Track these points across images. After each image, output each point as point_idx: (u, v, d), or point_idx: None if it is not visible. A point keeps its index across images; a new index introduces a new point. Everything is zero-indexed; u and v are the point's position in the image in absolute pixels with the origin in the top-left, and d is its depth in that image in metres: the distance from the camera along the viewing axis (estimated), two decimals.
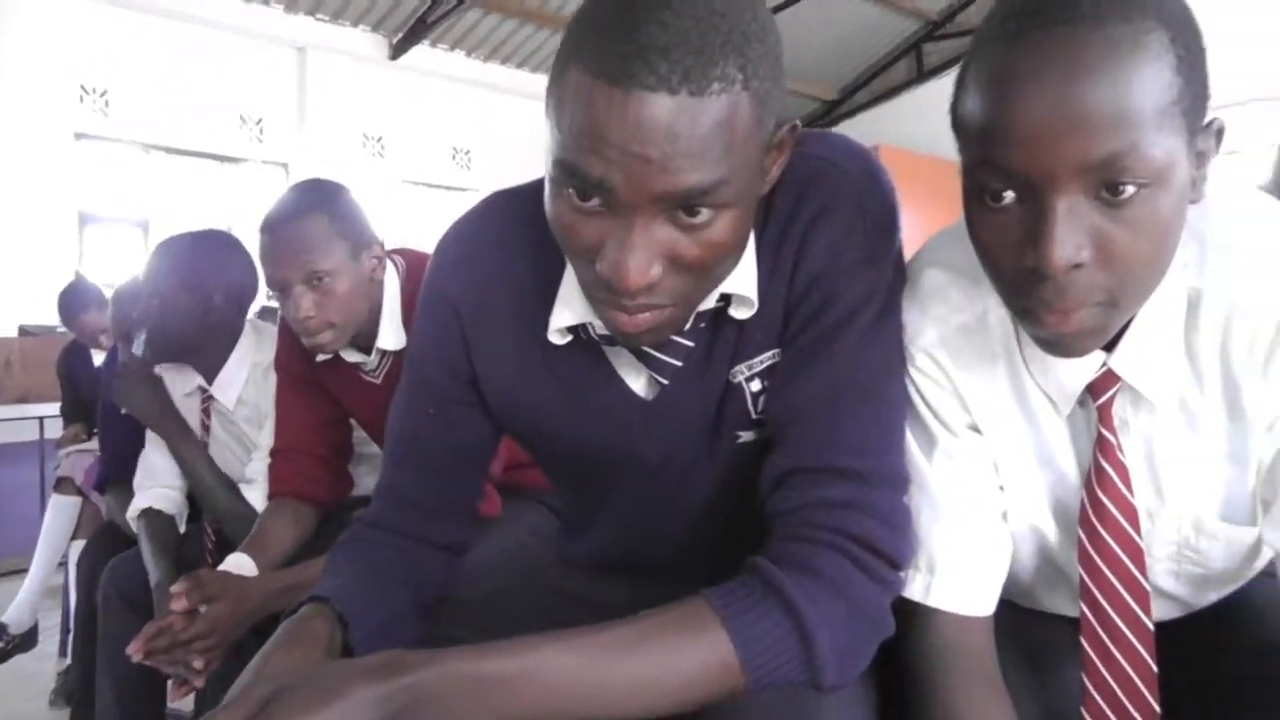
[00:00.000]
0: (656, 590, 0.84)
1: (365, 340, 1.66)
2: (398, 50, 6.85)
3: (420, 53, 6.95)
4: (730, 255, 0.81)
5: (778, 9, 6.65)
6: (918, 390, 0.90)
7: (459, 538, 1.09)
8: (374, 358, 1.67)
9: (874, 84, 8.04)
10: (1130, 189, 0.68)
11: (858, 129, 8.01)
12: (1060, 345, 0.75)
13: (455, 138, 7.32)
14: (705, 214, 0.76)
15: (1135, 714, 0.86)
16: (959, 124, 0.75)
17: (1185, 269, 0.80)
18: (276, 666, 0.82)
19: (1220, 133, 0.76)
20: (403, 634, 0.97)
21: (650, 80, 0.71)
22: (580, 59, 0.74)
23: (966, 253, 0.84)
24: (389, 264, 1.69)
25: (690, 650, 0.77)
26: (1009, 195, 0.72)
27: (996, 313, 0.86)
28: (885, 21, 7.39)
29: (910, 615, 0.89)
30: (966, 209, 0.77)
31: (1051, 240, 0.69)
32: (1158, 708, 0.86)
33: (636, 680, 0.76)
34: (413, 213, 7.05)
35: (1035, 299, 0.73)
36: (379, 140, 7.00)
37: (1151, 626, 0.87)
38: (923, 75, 8.09)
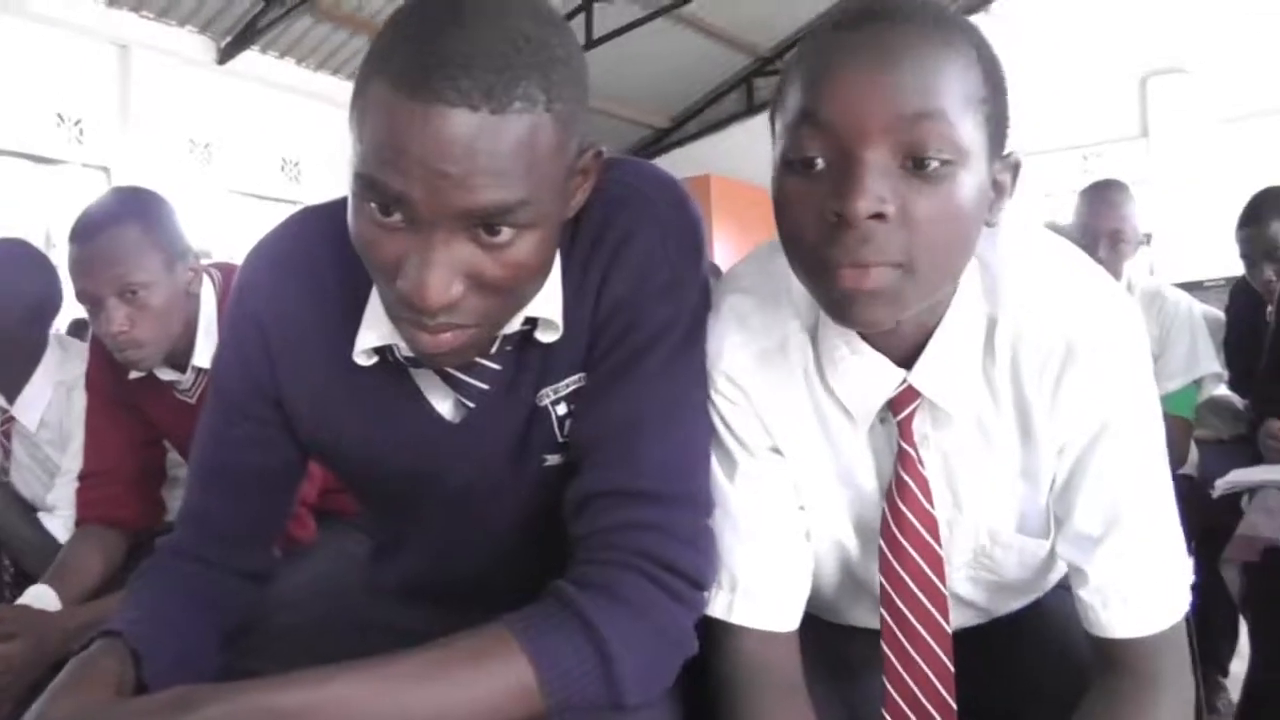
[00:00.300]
0: (466, 617, 0.83)
1: (180, 357, 1.60)
2: (226, 54, 6.60)
3: (250, 58, 6.71)
4: (533, 277, 0.82)
5: (611, 36, 6.76)
6: (719, 413, 0.92)
7: (263, 565, 1.06)
8: (189, 375, 1.62)
9: (706, 114, 8.27)
10: (935, 163, 0.73)
11: (689, 157, 8.20)
12: (855, 305, 0.77)
13: (285, 148, 7.09)
14: (507, 234, 0.76)
15: (933, 712, 0.91)
16: (780, 108, 0.80)
17: (982, 298, 0.86)
18: (61, 710, 0.78)
19: (1017, 168, 0.82)
20: (201, 667, 0.93)
21: (451, 96, 0.71)
22: (383, 71, 0.74)
23: (768, 279, 0.89)
24: (205, 278, 1.64)
25: (489, 676, 0.77)
26: (820, 163, 0.75)
27: (797, 338, 0.90)
28: (718, 54, 7.61)
29: (715, 633, 0.91)
30: (776, 186, 0.79)
31: (859, 186, 0.72)
32: (954, 705, 0.91)
33: (434, 708, 0.75)
34: (240, 224, 6.79)
35: (836, 251, 0.75)
36: (206, 147, 6.72)
37: (949, 630, 0.91)
38: (753, 108, 8.40)
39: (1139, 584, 0.86)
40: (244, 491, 1.02)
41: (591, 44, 6.80)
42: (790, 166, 0.78)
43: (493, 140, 0.73)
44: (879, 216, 0.73)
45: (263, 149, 7.03)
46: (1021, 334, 0.85)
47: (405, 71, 0.72)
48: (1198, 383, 2.33)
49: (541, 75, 0.75)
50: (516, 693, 0.78)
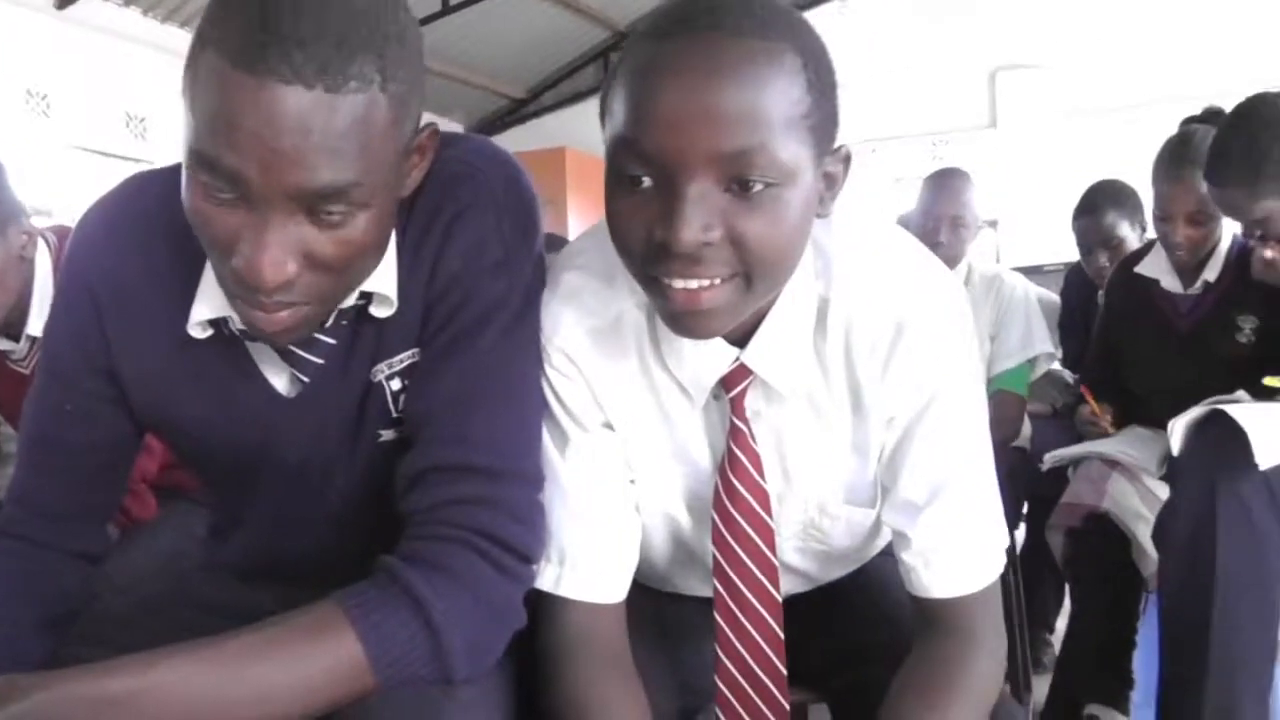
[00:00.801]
0: (307, 596, 0.82)
1: (14, 326, 1.53)
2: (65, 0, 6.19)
3: (91, 6, 6.30)
4: (368, 255, 0.82)
5: (469, 3, 6.64)
6: (553, 388, 0.93)
7: (95, 545, 1.02)
8: (23, 345, 1.54)
9: (562, 86, 8.20)
10: (759, 186, 0.74)
11: (545, 129, 8.11)
12: (691, 323, 0.80)
13: (130, 103, 6.69)
14: (341, 213, 0.76)
15: (763, 677, 0.94)
16: (606, 113, 0.80)
17: (815, 280, 0.88)
18: None
19: (848, 159, 0.84)
20: (26, 655, 0.90)
21: (285, 72, 0.70)
22: (216, 43, 0.72)
23: (603, 256, 0.89)
24: (41, 241, 1.56)
25: (318, 654, 0.77)
26: (647, 181, 0.76)
27: (631, 314, 0.91)
28: (575, 27, 7.55)
29: (543, 605, 0.93)
30: (607, 193, 0.80)
31: (681, 220, 0.74)
32: (784, 671, 0.94)
33: (263, 689, 0.74)
34: (81, 183, 6.39)
35: (666, 275, 0.77)
36: (44, 98, 6.28)
37: (779, 598, 0.95)
38: None
39: (958, 547, 0.92)
40: (75, 468, 0.98)
41: (447, 11, 6.66)
42: (618, 179, 0.79)
43: (327, 119, 0.72)
44: (706, 244, 0.75)
45: (106, 103, 6.62)
46: (853, 315, 0.89)
47: (240, 46, 0.71)
48: (1032, 361, 2.46)
49: (377, 54, 0.74)
50: (346, 670, 0.78)
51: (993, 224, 6.46)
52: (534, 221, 0.94)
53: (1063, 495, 2.01)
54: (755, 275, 0.79)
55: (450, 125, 8.43)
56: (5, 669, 0.80)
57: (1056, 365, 2.71)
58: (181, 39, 6.80)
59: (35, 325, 1.52)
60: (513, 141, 8.04)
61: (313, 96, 0.71)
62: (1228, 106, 1.84)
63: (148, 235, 0.93)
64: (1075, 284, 2.85)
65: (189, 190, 0.77)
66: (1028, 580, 2.44)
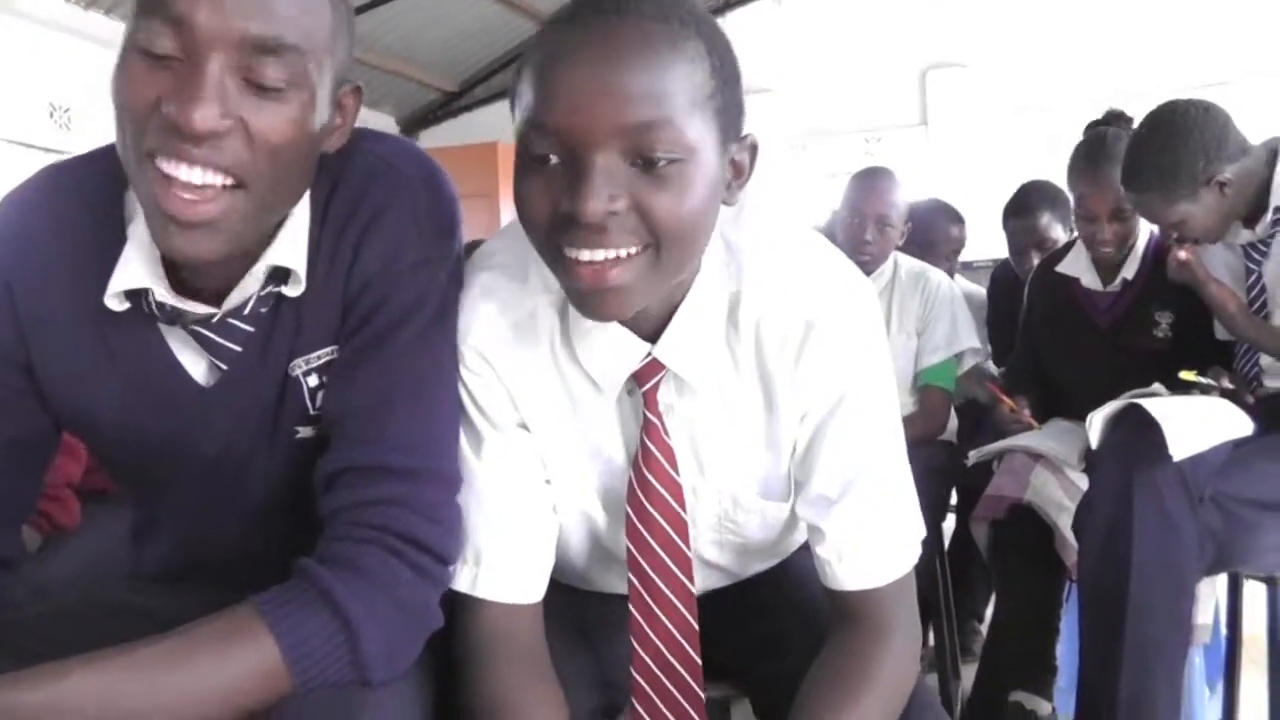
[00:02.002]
0: (228, 601, 0.82)
1: None
2: None
3: None
4: (291, 152, 0.82)
5: None
6: (468, 389, 0.94)
7: (9, 550, 1.00)
8: None
9: (494, 80, 8.12)
10: (663, 161, 0.76)
11: (477, 123, 8.03)
12: (598, 300, 0.81)
13: (54, 93, 6.48)
14: (275, 80, 0.79)
15: (679, 668, 0.95)
16: (516, 100, 0.81)
17: (725, 276, 0.90)
18: None
19: (754, 149, 0.86)
20: None
21: None
22: None
23: (516, 255, 0.90)
24: None
25: (235, 658, 0.77)
26: (554, 159, 0.78)
27: (545, 311, 0.92)
28: (507, 20, 7.49)
29: (460, 606, 0.93)
30: (516, 175, 0.81)
31: (588, 188, 0.75)
32: (699, 661, 0.96)
33: (180, 695, 0.74)
34: (2, 175, 6.20)
35: (573, 246, 0.78)
36: None
37: (694, 590, 0.96)
38: None
39: (871, 541, 0.94)
40: None
41: (378, 2, 6.57)
42: (526, 160, 0.80)
43: None
44: (611, 213, 0.77)
45: (28, 92, 6.40)
46: (764, 311, 0.90)
47: None
48: (958, 357, 2.51)
49: None
50: (263, 673, 0.78)
51: None
52: (452, 223, 0.95)
53: (987, 488, 2.06)
54: (662, 248, 0.80)
55: (382, 118, 8.34)
56: None
57: (986, 361, 2.76)
58: (107, 27, 6.61)
59: None
60: (445, 136, 7.96)
61: None
62: (1139, 107, 1.91)
63: (63, 220, 0.92)
64: (1002, 281, 2.90)
65: (123, 60, 0.79)
66: (956, 571, 2.51)
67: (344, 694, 0.81)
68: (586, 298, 0.81)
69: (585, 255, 0.78)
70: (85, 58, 6.59)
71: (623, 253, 0.79)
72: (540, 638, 0.97)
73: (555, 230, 0.79)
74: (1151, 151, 1.76)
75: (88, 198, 0.91)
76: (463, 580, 0.93)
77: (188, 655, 0.76)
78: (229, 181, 0.80)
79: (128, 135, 0.80)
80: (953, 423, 2.57)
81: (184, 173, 0.78)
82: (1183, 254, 1.85)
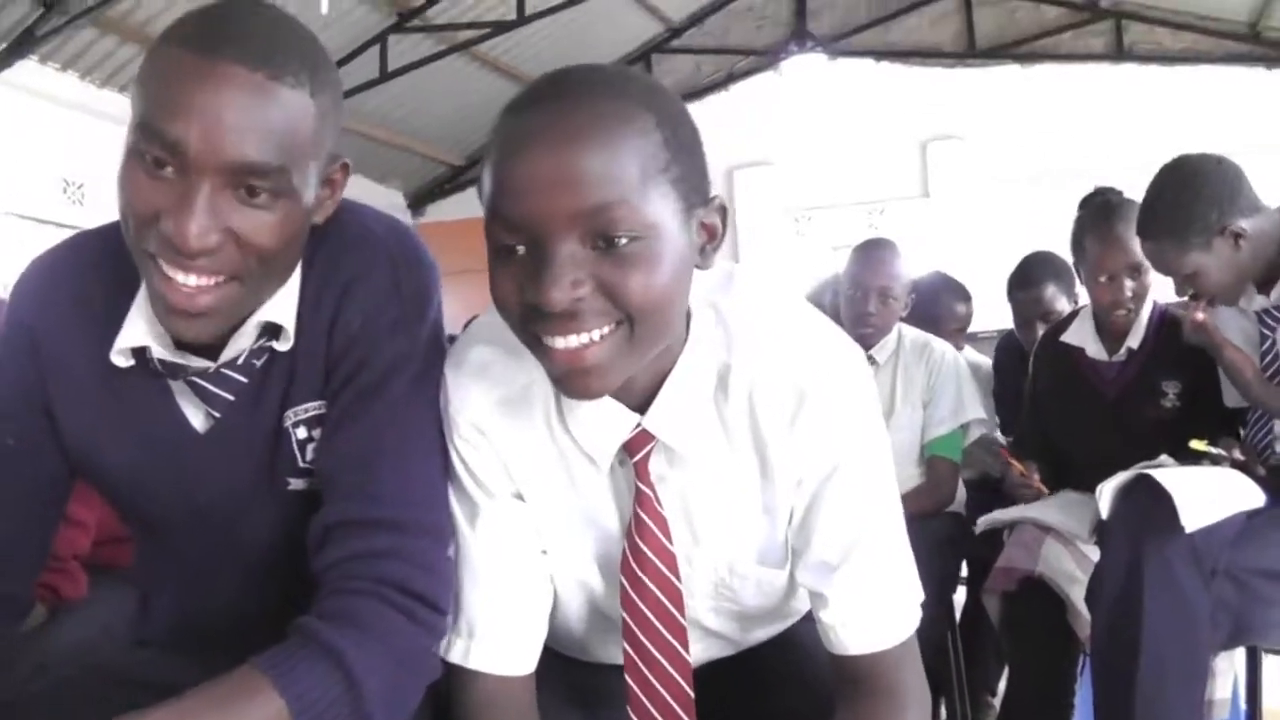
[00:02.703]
0: (232, 666, 0.83)
1: None
2: (1, 63, 6.12)
3: (27, 69, 6.22)
4: (281, 249, 0.88)
5: (403, 71, 6.72)
6: (462, 460, 0.95)
7: (20, 593, 1.03)
8: None
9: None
10: (624, 240, 0.77)
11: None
12: (577, 381, 0.82)
13: (67, 168, 6.60)
14: (264, 198, 0.84)
15: None
16: (480, 189, 0.83)
17: (715, 347, 0.91)
18: None
19: (723, 210, 0.87)
20: None
21: (234, 54, 0.81)
22: (172, 40, 0.83)
23: (509, 330, 0.91)
24: None
25: (243, 717, 0.79)
26: (520, 249, 0.80)
27: (539, 384, 0.93)
28: (510, 93, 7.65)
29: (454, 674, 0.94)
30: (489, 266, 0.83)
31: (550, 281, 0.77)
32: None
33: None
34: (17, 250, 6.26)
35: (547, 334, 0.80)
36: None
37: (689, 659, 0.96)
38: None
39: (874, 604, 0.94)
40: (9, 506, 0.99)
41: (386, 77, 6.72)
42: (495, 251, 0.82)
43: (265, 102, 0.82)
44: (578, 299, 0.78)
45: (43, 169, 6.52)
46: (756, 380, 0.91)
47: (195, 36, 0.83)
48: (964, 427, 2.50)
49: (309, 67, 0.86)
50: None
51: None
52: (429, 287, 0.99)
53: (998, 560, 2.04)
54: (635, 324, 0.81)
55: (389, 193, 8.44)
56: None
57: (994, 432, 2.76)
58: (120, 104, 6.74)
59: None
60: (451, 209, 8.08)
61: (256, 79, 0.82)
62: (1126, 180, 1.92)
63: (82, 282, 1.00)
64: (1007, 352, 2.90)
65: (126, 169, 0.84)
66: (967, 644, 2.47)
67: None
68: (565, 380, 0.83)
69: (559, 342, 0.80)
70: (98, 134, 6.70)
71: (595, 334, 0.80)
72: (532, 707, 0.97)
73: (528, 319, 0.82)
74: (1166, 201, 1.78)
75: (106, 261, 0.97)
76: (455, 652, 0.94)
77: (197, 718, 0.78)
78: (222, 276, 0.86)
79: (130, 232, 0.86)
80: (961, 494, 2.56)
81: (181, 277, 0.85)
82: (1199, 315, 1.84)
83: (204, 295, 0.85)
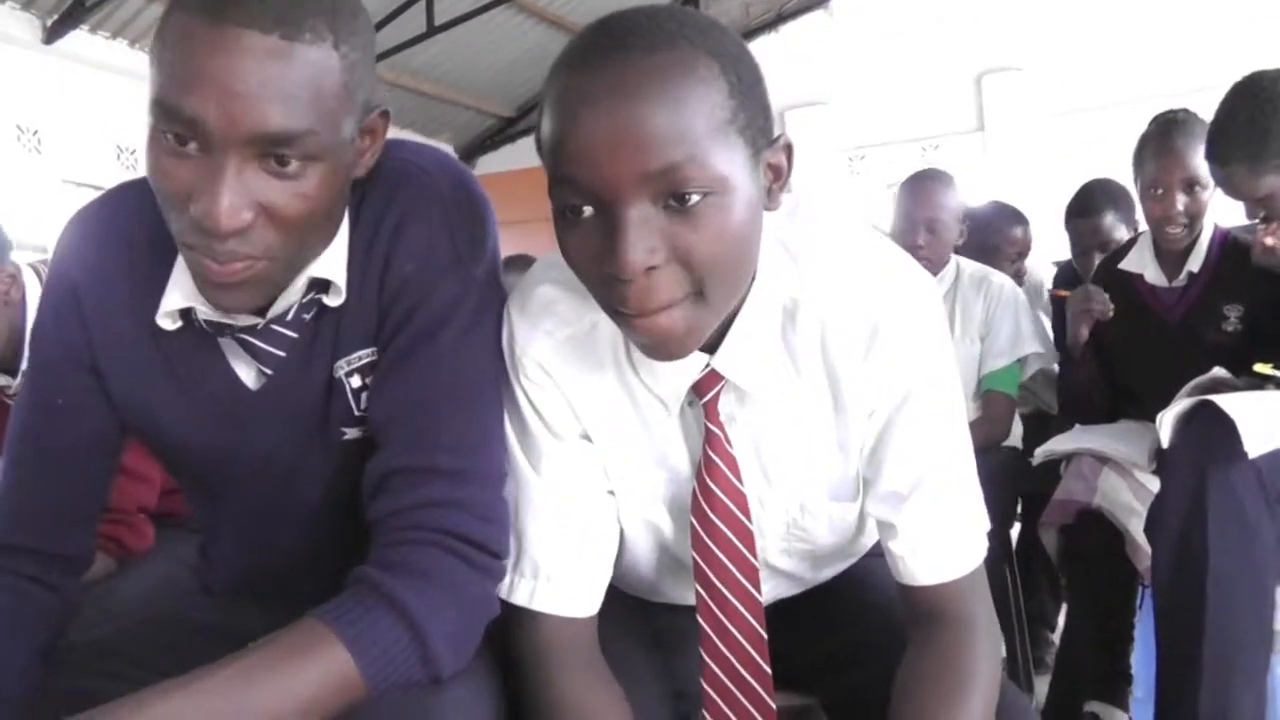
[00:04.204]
0: (295, 613, 0.84)
1: (9, 362, 1.54)
2: (52, 34, 6.20)
3: (79, 39, 6.32)
4: (319, 216, 0.84)
5: (453, 24, 6.68)
6: (529, 400, 0.94)
7: (80, 549, 1.03)
8: (19, 380, 1.55)
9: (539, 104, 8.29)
10: (695, 197, 0.75)
11: (534, 145, 8.19)
12: (659, 349, 0.81)
13: (120, 135, 6.71)
14: (295, 165, 0.80)
15: (749, 678, 0.95)
16: (539, 148, 0.81)
17: (782, 281, 0.89)
18: None
19: (789, 147, 0.84)
20: (14, 689, 0.91)
21: (244, 18, 0.76)
22: (182, 4, 0.78)
23: None
24: (31, 274, 1.57)
25: (309, 670, 0.79)
26: (587, 210, 0.77)
27: (606, 325, 0.91)
28: (560, 42, 7.53)
29: (518, 616, 0.94)
30: (555, 226, 0.81)
31: (625, 247, 0.74)
32: (769, 671, 0.95)
33: (259, 712, 0.76)
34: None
35: (622, 303, 0.78)
36: (35, 134, 6.30)
37: (761, 599, 0.95)
38: None
39: (943, 533, 0.93)
40: (62, 462, 1.00)
41: (433, 31, 6.69)
42: (560, 212, 0.80)
43: (283, 65, 0.78)
44: (652, 268, 0.76)
45: (96, 136, 6.64)
46: (828, 314, 0.89)
47: (204, 1, 0.77)
48: (1021, 361, 2.46)
49: (329, 17, 0.80)
50: (338, 682, 0.80)
51: None
52: (484, 224, 0.96)
53: (1055, 492, 2.01)
54: (709, 287, 0.79)
55: (440, 146, 8.46)
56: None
57: (1053, 365, 2.70)
58: None
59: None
60: (503, 160, 8.07)
61: (270, 42, 0.77)
62: (1200, 103, 1.85)
63: (125, 237, 0.97)
64: (1066, 283, 2.84)
65: (151, 149, 0.81)
66: (1025, 579, 2.45)
67: (420, 692, 0.83)
68: (647, 346, 0.82)
69: (636, 312, 0.79)
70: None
71: (672, 303, 0.79)
72: (596, 647, 0.97)
73: (603, 286, 0.80)
74: (1239, 122, 1.70)
75: (147, 218, 0.93)
76: (520, 593, 0.94)
77: (263, 671, 0.78)
78: (260, 256, 0.83)
79: (164, 211, 0.84)
80: (1018, 428, 2.52)
81: (217, 270, 0.82)
82: (1270, 239, 1.77)
83: (243, 269, 0.83)
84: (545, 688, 0.93)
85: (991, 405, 2.42)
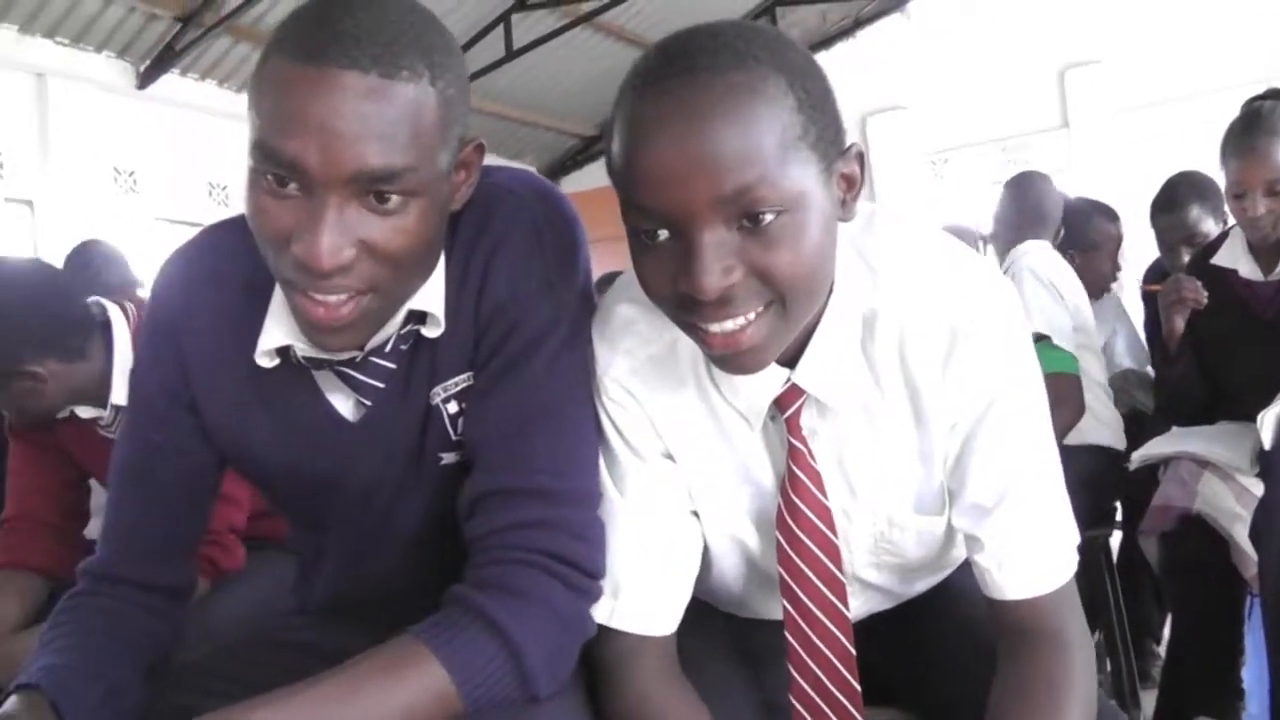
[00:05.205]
0: (392, 632, 0.85)
1: (100, 395, 1.60)
2: (145, 79, 6.47)
3: (170, 82, 6.58)
4: (418, 251, 0.85)
5: (531, 46, 6.77)
6: (611, 420, 0.94)
7: (183, 579, 1.07)
8: (109, 413, 1.61)
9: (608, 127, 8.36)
10: (769, 216, 0.74)
11: None
12: (736, 362, 0.81)
13: (212, 172, 6.96)
14: (395, 201, 0.81)
15: (838, 694, 0.94)
16: (609, 170, 0.81)
17: (860, 292, 0.88)
18: None
19: (861, 157, 0.83)
20: (125, 707, 0.94)
21: (343, 59, 0.77)
22: (279, 48, 0.79)
23: None
24: (119, 312, 1.63)
25: (406, 688, 0.80)
26: (662, 234, 0.77)
27: (686, 343, 0.91)
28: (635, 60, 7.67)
29: (598, 632, 0.94)
30: (630, 248, 0.82)
31: (701, 270, 0.74)
32: (858, 687, 0.94)
33: None
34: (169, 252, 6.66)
35: (701, 321, 0.79)
36: (131, 175, 6.57)
37: (849, 615, 0.94)
38: None
39: (1030, 547, 0.90)
40: (163, 497, 1.03)
41: (512, 55, 6.80)
42: (634, 235, 0.80)
43: (381, 104, 0.78)
44: (729, 287, 0.76)
45: (189, 174, 6.90)
46: (906, 322, 0.88)
47: (302, 44, 0.78)
48: (1041, 340, 2.38)
49: (425, 53, 0.81)
50: (435, 699, 0.81)
51: None
52: (575, 248, 0.96)
53: (1153, 498, 1.94)
54: (788, 301, 0.79)
55: (524, 168, 8.54)
56: None
57: (1145, 366, 2.62)
58: None
59: (118, 394, 1.58)
60: (585, 179, 8.16)
61: (368, 82, 0.77)
62: None
63: (220, 276, 0.99)
64: (1156, 281, 2.75)
65: (251, 191, 0.82)
66: (1128, 588, 2.36)
67: (517, 710, 0.84)
68: (724, 361, 0.82)
69: (715, 328, 0.79)
70: (240, 138, 6.96)
71: (750, 315, 0.78)
72: (675, 661, 0.97)
73: (679, 307, 0.80)
74: None
75: (240, 257, 0.96)
76: (600, 611, 0.94)
77: (361, 687, 0.80)
78: (362, 290, 0.84)
79: (266, 255, 0.85)
80: (1116, 423, 2.44)
81: (320, 295, 0.82)
82: None
83: (345, 308, 0.83)
84: (623, 700, 0.93)
85: (1054, 388, 2.34)
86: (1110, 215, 2.98)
